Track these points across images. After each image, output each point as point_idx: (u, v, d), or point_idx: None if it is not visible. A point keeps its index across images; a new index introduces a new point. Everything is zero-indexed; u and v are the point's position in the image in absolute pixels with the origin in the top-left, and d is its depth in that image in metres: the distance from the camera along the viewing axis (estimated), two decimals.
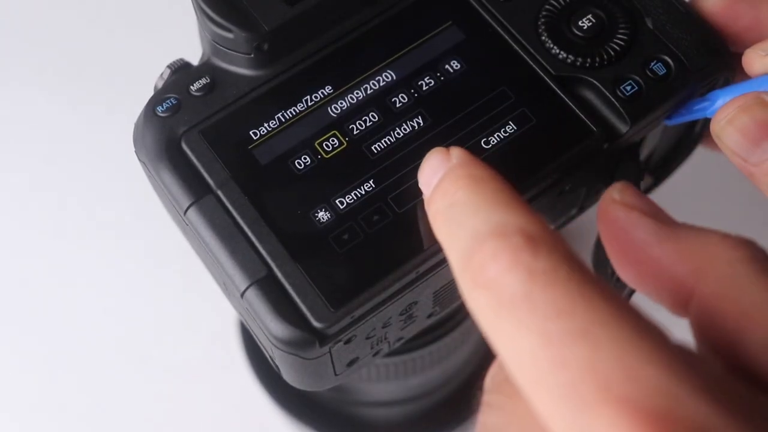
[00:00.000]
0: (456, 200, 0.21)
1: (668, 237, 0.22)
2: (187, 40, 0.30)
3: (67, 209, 0.50)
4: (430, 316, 0.30)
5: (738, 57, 0.28)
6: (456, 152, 0.23)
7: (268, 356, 0.29)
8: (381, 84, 0.28)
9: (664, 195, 0.38)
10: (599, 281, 0.18)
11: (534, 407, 0.18)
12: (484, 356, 0.45)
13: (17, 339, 0.48)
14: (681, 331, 0.21)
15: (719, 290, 0.21)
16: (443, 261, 0.26)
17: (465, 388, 0.44)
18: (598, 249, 0.34)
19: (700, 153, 0.34)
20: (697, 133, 0.33)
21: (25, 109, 0.53)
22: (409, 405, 0.43)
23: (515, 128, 0.27)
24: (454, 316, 0.36)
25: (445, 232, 0.21)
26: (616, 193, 0.24)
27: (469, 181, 0.22)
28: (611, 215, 0.23)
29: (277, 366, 0.28)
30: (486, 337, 0.19)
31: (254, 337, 0.29)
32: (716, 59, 0.29)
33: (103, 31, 0.55)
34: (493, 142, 0.27)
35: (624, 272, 0.23)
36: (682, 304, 0.22)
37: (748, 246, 0.22)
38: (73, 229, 0.50)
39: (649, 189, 0.35)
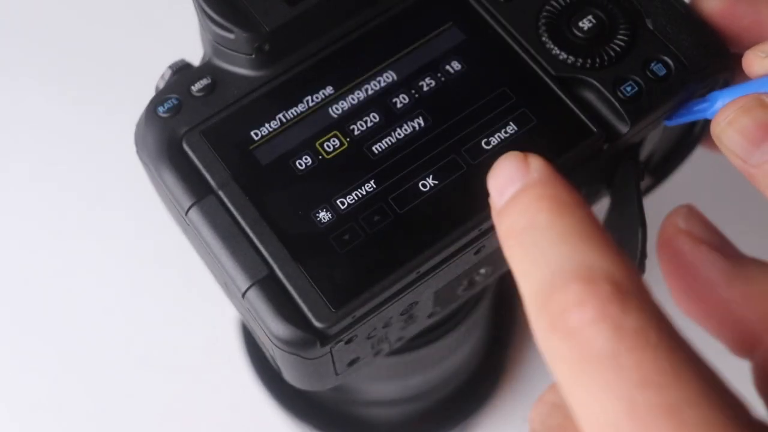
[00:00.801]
0: (537, 223, 0.20)
1: (738, 276, 0.21)
2: (188, 40, 0.31)
3: (68, 209, 0.50)
4: (430, 315, 0.30)
5: (738, 58, 0.28)
6: (536, 163, 0.21)
7: (269, 356, 0.29)
8: (382, 84, 0.28)
9: (664, 195, 0.38)
10: (688, 349, 0.18)
11: None
12: (485, 356, 0.45)
13: (17, 339, 0.48)
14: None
15: None
16: (444, 261, 0.26)
17: (465, 388, 0.44)
18: None
19: (699, 153, 0.34)
20: (696, 134, 0.33)
21: (26, 109, 0.53)
22: (409, 405, 0.43)
23: (516, 129, 0.27)
24: (455, 315, 0.36)
25: (520, 257, 0.20)
26: (681, 221, 0.23)
27: (554, 205, 0.20)
28: (676, 247, 0.22)
29: (278, 366, 0.28)
30: (559, 385, 0.18)
31: (255, 337, 0.29)
32: (716, 60, 0.29)
33: (103, 31, 0.55)
34: (494, 142, 0.27)
35: (687, 309, 0.22)
36: (746, 348, 0.21)
37: None
38: (74, 229, 0.50)
39: (649, 189, 0.35)
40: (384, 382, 0.39)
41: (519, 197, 0.20)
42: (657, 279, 0.44)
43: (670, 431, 0.16)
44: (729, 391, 0.17)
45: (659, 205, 0.45)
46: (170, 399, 0.46)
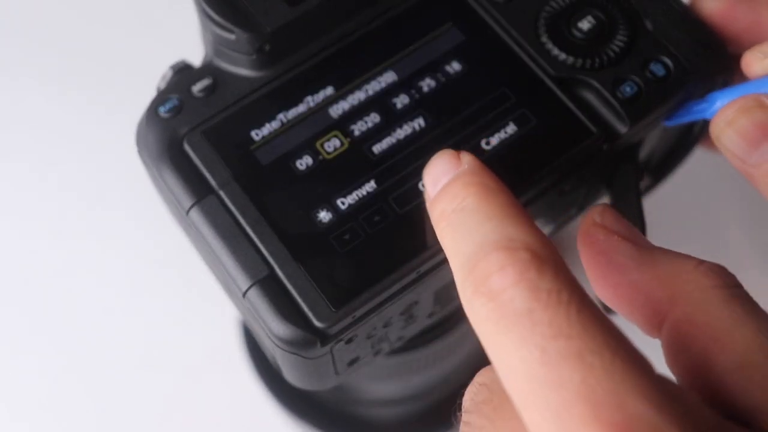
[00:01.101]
0: (465, 206, 0.22)
1: (646, 262, 0.23)
2: (189, 40, 0.31)
3: (69, 209, 0.50)
4: (430, 315, 0.30)
5: (736, 58, 0.28)
6: (467, 158, 0.23)
7: (269, 356, 0.29)
8: (382, 85, 0.28)
9: (664, 195, 0.38)
10: (596, 307, 0.19)
11: (524, 421, 0.19)
12: (484, 356, 0.45)
13: (17, 338, 0.48)
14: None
15: (691, 315, 0.22)
16: (444, 261, 0.26)
17: (465, 388, 0.44)
18: None
19: (698, 154, 0.34)
20: (695, 135, 0.33)
21: (26, 109, 0.53)
22: (410, 404, 0.43)
23: (516, 129, 0.27)
24: (455, 315, 0.36)
25: (450, 235, 0.22)
26: (597, 216, 0.25)
27: (480, 189, 0.22)
28: (592, 237, 0.24)
29: (278, 365, 0.28)
30: (484, 346, 0.20)
31: (256, 336, 0.29)
32: (715, 61, 0.29)
33: (104, 31, 0.55)
34: (494, 142, 0.27)
35: (602, 293, 0.24)
36: (655, 326, 0.23)
37: (721, 274, 0.23)
38: (75, 229, 0.50)
39: (648, 189, 0.35)
40: (384, 382, 0.39)
41: (449, 185, 0.23)
42: None
43: (577, 374, 0.18)
44: (630, 343, 0.19)
45: (659, 204, 0.45)
46: (170, 399, 0.46)
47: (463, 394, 0.22)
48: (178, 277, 0.48)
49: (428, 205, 0.24)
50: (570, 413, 0.18)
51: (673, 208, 0.48)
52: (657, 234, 0.46)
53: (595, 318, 0.19)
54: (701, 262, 0.23)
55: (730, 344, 0.21)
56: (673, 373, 0.22)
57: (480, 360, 0.47)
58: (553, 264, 0.20)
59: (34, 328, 0.48)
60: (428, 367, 0.38)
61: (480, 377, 0.22)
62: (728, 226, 0.49)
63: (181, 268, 0.48)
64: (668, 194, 0.40)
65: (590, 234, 0.24)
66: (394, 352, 0.35)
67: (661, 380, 0.19)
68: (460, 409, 0.22)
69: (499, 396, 0.21)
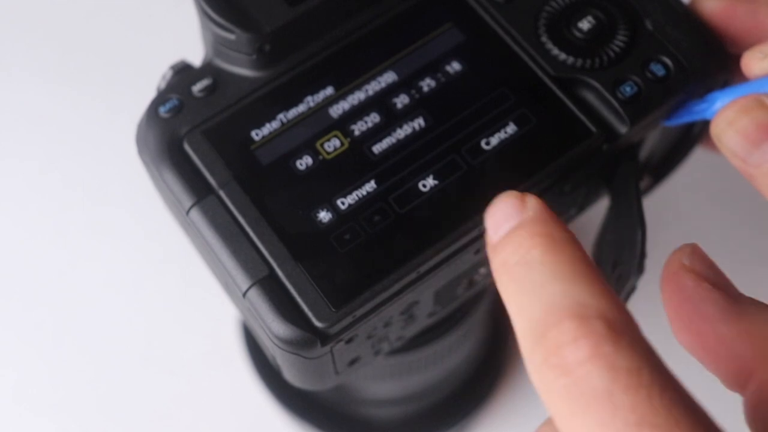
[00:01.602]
0: (531, 259, 0.20)
1: (736, 315, 0.22)
2: (189, 40, 0.31)
3: (69, 209, 0.50)
4: (430, 315, 0.30)
5: (736, 59, 0.28)
6: (533, 203, 0.22)
7: (269, 355, 0.29)
8: (382, 85, 0.28)
9: (664, 195, 0.38)
10: (678, 387, 0.18)
11: None
12: (485, 356, 0.45)
13: (17, 338, 0.48)
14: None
15: None
16: (444, 261, 0.26)
17: (466, 388, 0.44)
18: (599, 247, 0.34)
19: (698, 154, 0.34)
20: (695, 135, 0.33)
21: (27, 109, 0.53)
22: (410, 404, 0.43)
23: (516, 129, 0.27)
24: (455, 315, 0.36)
25: (514, 291, 0.21)
26: (686, 259, 0.23)
27: (548, 242, 0.21)
28: (679, 283, 0.23)
29: (278, 365, 0.28)
30: (554, 420, 0.19)
31: (256, 336, 0.29)
32: (715, 61, 0.29)
33: (105, 31, 0.55)
34: (494, 142, 0.27)
35: (685, 341, 0.23)
36: (739, 383, 0.22)
37: None
38: (76, 229, 0.50)
39: (648, 189, 0.35)
40: (384, 382, 0.39)
41: (513, 233, 0.21)
42: (656, 279, 0.44)
43: None
44: (717, 425, 0.18)
45: (659, 204, 0.45)
46: (171, 398, 0.46)
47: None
48: (179, 276, 0.48)
49: (489, 252, 0.22)
50: None
51: (673, 208, 0.48)
52: (657, 234, 0.46)
53: (680, 401, 0.18)
54: None
55: None
56: (752, 430, 0.21)
57: (479, 360, 0.47)
58: (630, 336, 0.19)
59: (35, 328, 0.48)
60: (428, 367, 0.38)
61: (546, 428, 0.21)
62: (728, 226, 0.49)
63: (181, 268, 0.48)
64: (669, 194, 0.40)
65: (677, 279, 0.23)
66: (394, 352, 0.35)
67: None
68: None
69: None
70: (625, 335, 0.19)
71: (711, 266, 0.23)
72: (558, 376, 0.19)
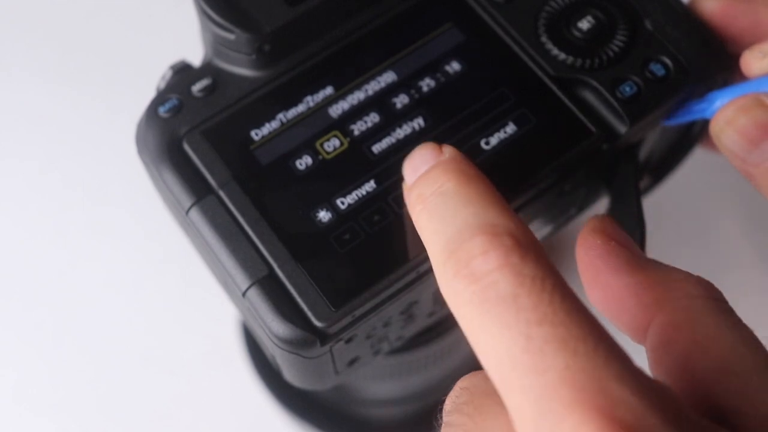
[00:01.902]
0: (445, 190, 0.22)
1: (639, 267, 0.24)
2: (189, 40, 0.31)
3: (69, 209, 0.50)
4: (430, 315, 0.30)
5: (736, 58, 0.28)
6: (448, 149, 0.24)
7: (268, 355, 0.29)
8: (382, 85, 0.28)
9: (664, 195, 0.38)
10: (577, 297, 0.20)
11: (507, 406, 0.19)
12: None
13: (17, 338, 0.48)
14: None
15: (677, 320, 0.23)
16: None
17: None
18: None
19: (698, 153, 0.34)
20: (695, 134, 0.33)
21: (27, 109, 0.53)
22: (410, 404, 0.43)
23: (515, 129, 0.27)
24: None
25: (427, 217, 0.22)
26: (597, 223, 0.26)
27: (461, 175, 0.22)
28: (590, 241, 0.25)
29: (278, 365, 0.28)
30: (464, 330, 0.20)
31: (255, 336, 0.29)
32: (714, 60, 0.29)
33: (105, 31, 0.55)
34: (494, 142, 0.27)
35: (593, 294, 0.25)
36: (641, 330, 0.24)
37: (708, 286, 0.24)
38: (76, 229, 0.50)
39: (648, 189, 0.35)
40: (384, 382, 0.39)
41: (429, 171, 0.23)
42: None
43: (561, 360, 0.18)
44: (610, 334, 0.19)
45: (659, 204, 0.45)
46: (171, 398, 0.46)
47: (444, 401, 0.22)
48: (179, 276, 0.48)
49: (405, 190, 0.24)
50: (554, 397, 0.18)
51: (673, 208, 0.48)
52: (657, 234, 0.46)
53: (578, 306, 0.19)
54: (690, 274, 0.24)
55: (712, 350, 0.22)
56: (656, 375, 0.23)
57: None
58: (535, 251, 0.20)
59: (34, 328, 0.48)
60: (428, 366, 0.38)
61: (461, 382, 0.22)
62: (728, 226, 0.49)
63: (181, 268, 0.48)
64: (668, 194, 0.40)
65: (589, 238, 0.25)
66: (394, 351, 0.35)
67: (641, 372, 0.19)
68: (441, 415, 0.22)
69: (480, 397, 0.21)
70: (531, 250, 0.20)
71: (619, 231, 0.26)
72: (467, 285, 0.20)
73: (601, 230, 0.26)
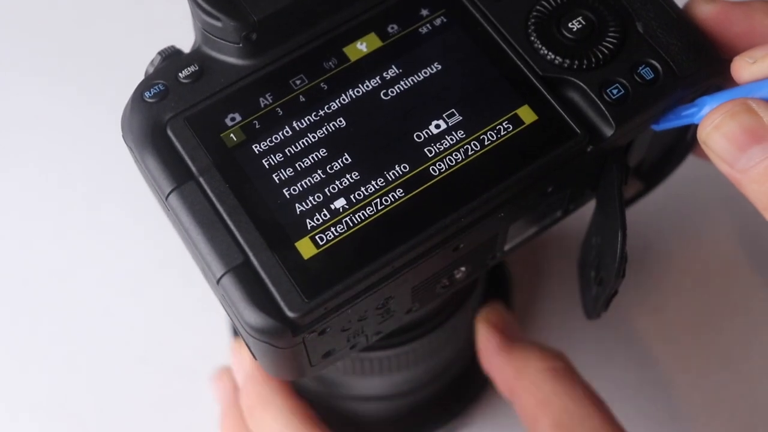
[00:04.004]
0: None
1: (506, 349, 0.36)
2: (189, 41, 0.30)
3: (69, 209, 0.50)
4: (409, 311, 0.30)
5: (728, 64, 0.28)
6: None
7: (245, 343, 0.29)
8: (367, 77, 0.28)
9: (660, 198, 0.38)
10: None
11: None
12: (475, 353, 0.44)
13: (16, 338, 0.48)
14: None
15: (527, 387, 0.35)
16: (419, 257, 0.26)
17: (453, 386, 0.44)
18: (584, 250, 0.34)
19: (690, 159, 0.34)
20: (688, 141, 0.33)
21: (26, 109, 0.53)
22: (397, 400, 0.43)
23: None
24: (438, 314, 0.36)
25: None
26: (486, 313, 0.38)
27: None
28: (481, 327, 0.38)
29: (253, 354, 0.28)
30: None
31: (233, 324, 0.29)
32: (706, 66, 0.28)
33: (104, 31, 0.55)
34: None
35: (483, 365, 0.38)
36: (509, 393, 0.36)
37: (555, 358, 0.35)
38: (74, 229, 0.50)
39: (641, 195, 0.35)
40: (369, 378, 0.38)
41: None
42: (640, 282, 0.44)
43: None
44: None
45: (655, 207, 0.45)
46: (168, 398, 0.46)
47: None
48: (179, 276, 0.48)
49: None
50: None
51: (664, 213, 0.48)
52: (653, 237, 0.46)
53: None
54: (544, 350, 0.36)
55: (549, 410, 0.33)
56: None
57: (470, 357, 0.47)
58: None
59: (33, 328, 0.48)
60: (411, 365, 0.37)
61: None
62: (717, 232, 0.48)
63: (181, 268, 0.48)
64: (661, 199, 0.40)
65: (479, 325, 0.38)
66: (376, 347, 0.35)
67: None
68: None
69: None
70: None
71: (503, 318, 0.38)
72: None
73: (487, 320, 0.37)
